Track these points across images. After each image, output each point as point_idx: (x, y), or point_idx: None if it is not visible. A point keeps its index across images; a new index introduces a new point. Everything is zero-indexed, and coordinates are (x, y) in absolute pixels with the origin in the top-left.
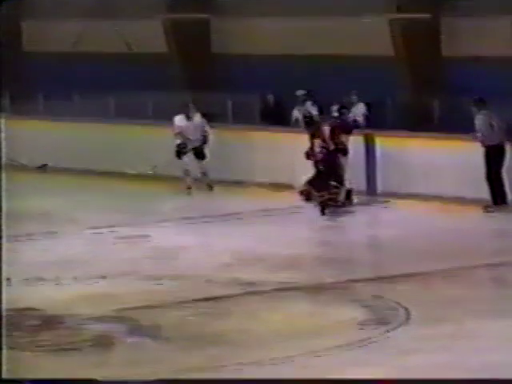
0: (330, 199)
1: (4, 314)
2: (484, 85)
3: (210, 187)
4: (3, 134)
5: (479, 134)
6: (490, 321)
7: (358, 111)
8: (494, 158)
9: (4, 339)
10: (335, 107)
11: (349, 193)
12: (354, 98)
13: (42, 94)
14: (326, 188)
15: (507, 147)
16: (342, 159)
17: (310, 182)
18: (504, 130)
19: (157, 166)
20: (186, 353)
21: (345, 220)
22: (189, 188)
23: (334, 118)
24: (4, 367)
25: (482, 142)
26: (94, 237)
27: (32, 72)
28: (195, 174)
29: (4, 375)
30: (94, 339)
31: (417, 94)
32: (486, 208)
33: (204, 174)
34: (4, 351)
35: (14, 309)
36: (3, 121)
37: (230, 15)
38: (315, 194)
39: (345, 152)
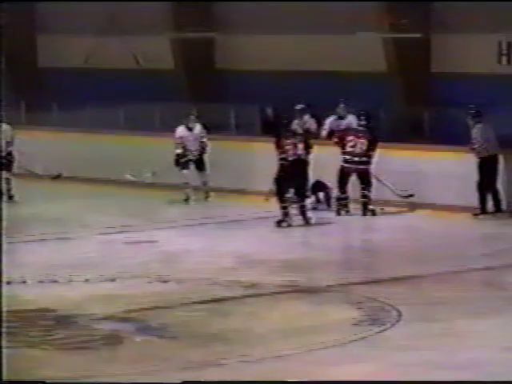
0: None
1: (20, 313)
2: (470, 98)
3: (207, 196)
4: (18, 144)
5: (476, 146)
6: (477, 320)
7: (348, 122)
8: (488, 169)
9: (19, 337)
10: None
11: (340, 199)
12: (342, 109)
13: (56, 105)
14: (286, 197)
15: (500, 157)
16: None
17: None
18: (497, 141)
19: (156, 172)
20: (191, 350)
21: (340, 226)
22: (186, 199)
23: (363, 128)
24: (7, 367)
25: (478, 153)
26: (105, 241)
27: (46, 85)
28: (196, 183)
29: (18, 373)
30: (104, 337)
31: (408, 107)
32: (476, 215)
33: (204, 183)
34: (23, 349)
35: (29, 309)
36: (17, 131)
37: (232, 34)
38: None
39: (370, 164)
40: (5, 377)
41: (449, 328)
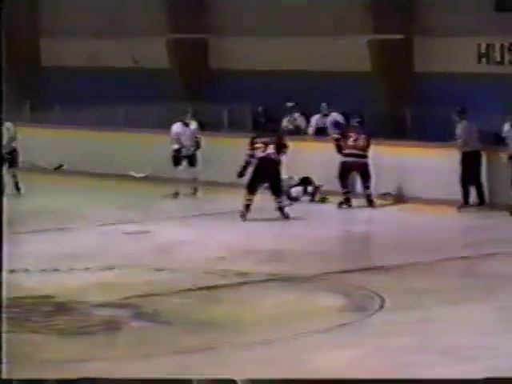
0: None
1: (23, 300)
2: (451, 97)
3: (195, 191)
4: (22, 141)
5: (459, 141)
6: (455, 307)
7: (332, 119)
8: (470, 163)
9: (23, 323)
10: (355, 118)
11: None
12: (325, 108)
13: (59, 104)
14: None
15: (482, 153)
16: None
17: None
18: (479, 137)
19: (157, 169)
20: (184, 335)
21: (327, 218)
22: (175, 194)
23: (356, 127)
24: (10, 351)
25: (461, 148)
26: (103, 232)
27: (49, 85)
28: (187, 178)
29: (21, 356)
30: (102, 323)
31: (392, 106)
32: (460, 208)
33: (195, 179)
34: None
35: (32, 296)
36: (22, 128)
37: (225, 36)
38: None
39: (362, 158)
40: (4, 374)
41: (429, 314)
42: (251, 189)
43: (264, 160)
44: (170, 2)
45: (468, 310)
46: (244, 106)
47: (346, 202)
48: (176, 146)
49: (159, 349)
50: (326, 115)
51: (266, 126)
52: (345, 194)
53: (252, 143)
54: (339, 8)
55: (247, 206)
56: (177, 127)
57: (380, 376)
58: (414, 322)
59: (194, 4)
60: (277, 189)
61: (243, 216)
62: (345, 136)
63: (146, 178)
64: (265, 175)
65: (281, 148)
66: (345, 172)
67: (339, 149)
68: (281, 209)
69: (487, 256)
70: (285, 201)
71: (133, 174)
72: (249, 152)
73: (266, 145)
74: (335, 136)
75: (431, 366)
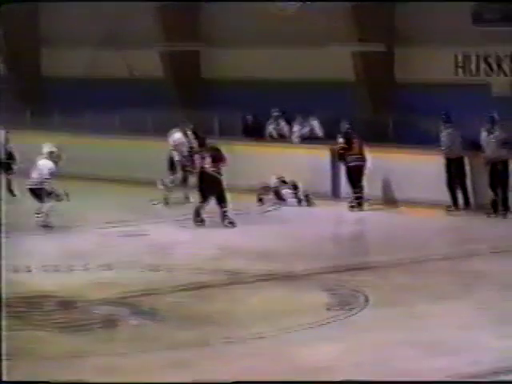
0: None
1: (26, 299)
2: (430, 105)
3: (187, 197)
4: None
5: (443, 147)
6: (436, 304)
7: (311, 126)
8: (455, 169)
9: (26, 320)
10: (346, 125)
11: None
12: (301, 118)
13: (58, 111)
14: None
15: (466, 159)
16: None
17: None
18: (463, 144)
19: (174, 180)
20: (179, 331)
21: (315, 218)
22: (166, 200)
23: (349, 133)
24: (14, 346)
25: (445, 154)
26: (102, 233)
27: (49, 93)
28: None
29: (24, 352)
30: (101, 320)
31: (374, 113)
32: (448, 209)
33: (186, 185)
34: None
35: (35, 294)
36: (22, 135)
37: (216, 47)
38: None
39: (364, 161)
40: (9, 370)
41: (411, 311)
42: (202, 197)
43: (201, 173)
44: (165, 14)
45: (450, 306)
46: (234, 114)
47: (358, 205)
48: (176, 156)
49: (156, 344)
50: (304, 124)
51: (254, 131)
52: (357, 198)
53: (192, 155)
54: (325, 21)
55: (197, 212)
56: (177, 137)
57: (365, 369)
58: (398, 317)
59: (188, 17)
60: (219, 198)
61: (195, 220)
62: (350, 142)
63: (141, 183)
64: (206, 186)
65: (217, 161)
66: (352, 176)
67: (342, 156)
68: (224, 217)
69: (469, 255)
70: (269, 204)
71: (160, 187)
72: (189, 166)
73: (203, 158)
74: (342, 145)
75: (415, 359)
